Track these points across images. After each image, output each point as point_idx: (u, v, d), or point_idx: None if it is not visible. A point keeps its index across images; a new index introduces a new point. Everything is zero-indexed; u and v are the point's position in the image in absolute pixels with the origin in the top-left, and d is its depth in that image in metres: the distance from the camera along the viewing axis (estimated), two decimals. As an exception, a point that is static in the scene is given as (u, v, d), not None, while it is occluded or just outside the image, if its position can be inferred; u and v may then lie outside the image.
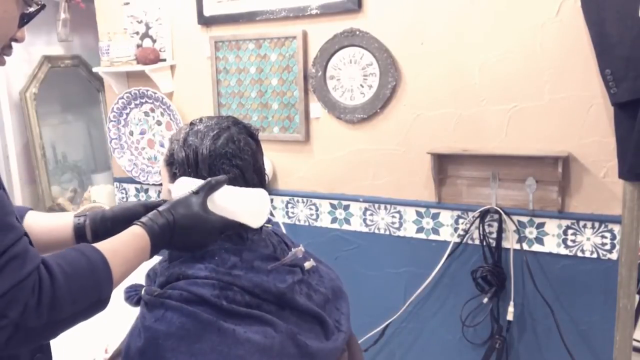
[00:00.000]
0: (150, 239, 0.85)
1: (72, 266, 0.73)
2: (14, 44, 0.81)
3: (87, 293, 0.73)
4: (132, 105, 2.44)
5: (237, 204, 0.94)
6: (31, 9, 0.81)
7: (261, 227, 1.05)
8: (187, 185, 0.96)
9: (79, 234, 0.97)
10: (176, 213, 0.88)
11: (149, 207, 0.99)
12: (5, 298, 0.64)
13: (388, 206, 1.99)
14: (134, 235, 0.84)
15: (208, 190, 0.92)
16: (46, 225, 0.98)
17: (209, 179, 0.94)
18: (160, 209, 0.89)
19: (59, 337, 0.93)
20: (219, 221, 0.93)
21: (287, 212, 2.20)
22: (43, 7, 0.83)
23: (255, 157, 1.02)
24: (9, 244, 0.67)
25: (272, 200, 2.21)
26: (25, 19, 0.81)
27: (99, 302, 0.76)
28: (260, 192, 0.95)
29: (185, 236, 0.89)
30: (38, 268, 0.68)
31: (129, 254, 0.81)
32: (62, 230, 0.98)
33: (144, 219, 0.87)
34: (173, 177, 1.01)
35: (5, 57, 0.82)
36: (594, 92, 1.63)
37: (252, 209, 0.94)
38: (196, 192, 0.91)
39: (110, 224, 0.98)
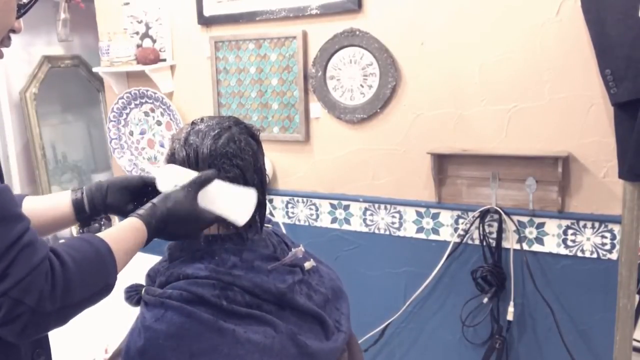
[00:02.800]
0: (147, 233, 0.87)
1: (80, 253, 0.75)
2: (12, 35, 0.82)
3: (95, 278, 0.76)
4: (132, 105, 2.44)
5: (224, 200, 0.95)
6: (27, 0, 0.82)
7: (261, 227, 1.05)
8: (173, 173, 0.97)
9: (78, 206, 0.99)
10: (171, 209, 0.90)
11: (147, 183, 1.02)
12: (21, 285, 0.67)
13: (388, 206, 1.99)
14: (133, 227, 0.86)
15: (198, 186, 0.93)
16: (45, 205, 0.99)
17: (199, 174, 0.94)
18: (155, 202, 0.90)
19: (59, 336, 0.94)
20: (207, 216, 0.94)
21: (287, 212, 2.20)
22: None
23: (256, 157, 1.02)
24: (20, 233, 0.69)
25: (272, 201, 2.21)
26: (22, 10, 0.82)
27: (106, 287, 0.78)
28: (247, 191, 0.96)
29: (176, 229, 0.91)
30: (48, 255, 0.71)
31: (129, 243, 0.83)
32: (61, 207, 0.99)
33: (141, 212, 0.88)
34: None
35: (4, 50, 0.82)
36: (594, 92, 1.63)
37: (238, 206, 0.95)
38: (187, 187, 0.92)
39: (106, 191, 1.00)
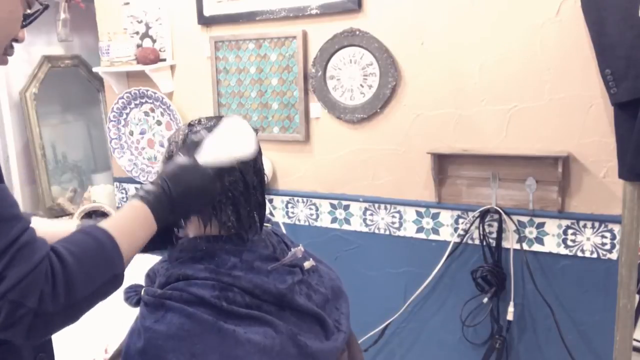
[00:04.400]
0: (148, 206, 0.83)
1: (80, 247, 0.73)
2: (14, 44, 0.82)
3: (99, 271, 0.73)
4: (132, 105, 2.44)
5: (222, 143, 0.92)
6: (32, 10, 0.82)
7: (261, 227, 1.05)
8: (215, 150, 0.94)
9: None
10: (165, 170, 0.89)
11: None
12: (20, 286, 0.65)
13: (388, 206, 1.99)
14: (132, 206, 0.83)
15: (191, 147, 0.93)
16: (50, 230, 0.97)
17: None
18: (160, 181, 0.88)
19: (59, 337, 0.93)
20: (211, 167, 0.91)
21: (287, 212, 2.20)
22: (46, 7, 0.84)
23: (256, 158, 1.02)
24: (17, 234, 0.67)
25: (272, 201, 2.21)
26: (27, 20, 0.81)
27: (114, 279, 0.75)
28: (235, 121, 0.93)
29: (183, 189, 0.87)
30: (48, 255, 0.69)
31: (133, 226, 0.81)
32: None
33: (138, 190, 0.86)
34: None
35: (8, 57, 0.82)
36: (594, 92, 1.63)
37: (238, 139, 0.93)
38: (183, 154, 0.92)
39: None
